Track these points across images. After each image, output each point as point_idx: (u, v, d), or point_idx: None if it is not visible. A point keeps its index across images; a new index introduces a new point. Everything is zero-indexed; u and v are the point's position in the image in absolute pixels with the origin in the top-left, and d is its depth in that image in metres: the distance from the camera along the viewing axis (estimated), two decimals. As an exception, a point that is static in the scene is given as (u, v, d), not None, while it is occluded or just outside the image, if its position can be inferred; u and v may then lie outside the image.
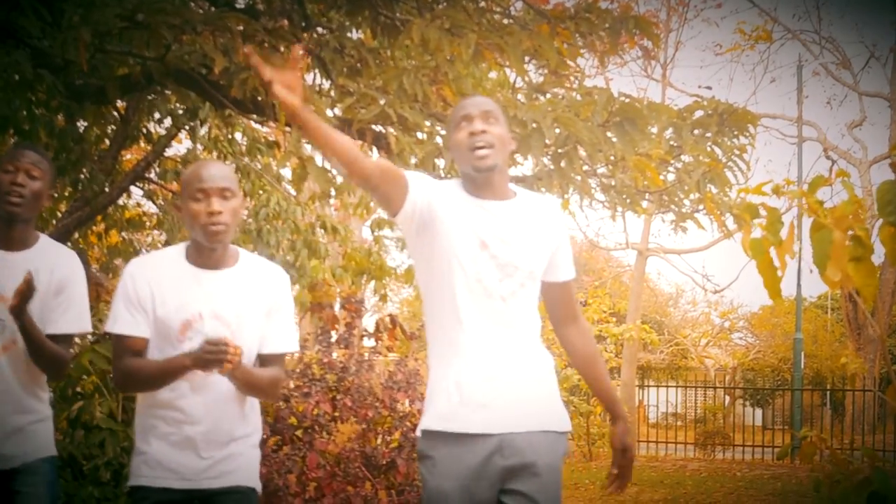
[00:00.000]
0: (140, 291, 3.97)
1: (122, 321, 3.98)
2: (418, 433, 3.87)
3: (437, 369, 3.88)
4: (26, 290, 4.00)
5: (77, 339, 7.41)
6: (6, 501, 4.30)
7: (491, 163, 3.82)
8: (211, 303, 3.96)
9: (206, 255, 4.00)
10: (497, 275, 3.83)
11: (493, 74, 8.59)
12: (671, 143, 6.82)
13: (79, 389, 8.23)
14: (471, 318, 3.81)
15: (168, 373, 3.91)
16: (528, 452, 3.78)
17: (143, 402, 4.08)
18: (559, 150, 6.46)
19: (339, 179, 11.74)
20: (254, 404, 4.16)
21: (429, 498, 3.76)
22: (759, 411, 31.12)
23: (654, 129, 6.70)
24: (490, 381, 3.81)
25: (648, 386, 26.33)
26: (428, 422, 3.84)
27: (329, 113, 6.75)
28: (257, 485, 4.12)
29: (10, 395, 4.26)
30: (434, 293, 3.86)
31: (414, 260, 3.94)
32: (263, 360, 4.07)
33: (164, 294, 3.96)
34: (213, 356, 3.76)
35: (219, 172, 4.02)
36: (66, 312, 4.30)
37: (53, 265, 4.29)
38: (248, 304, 4.01)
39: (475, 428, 3.76)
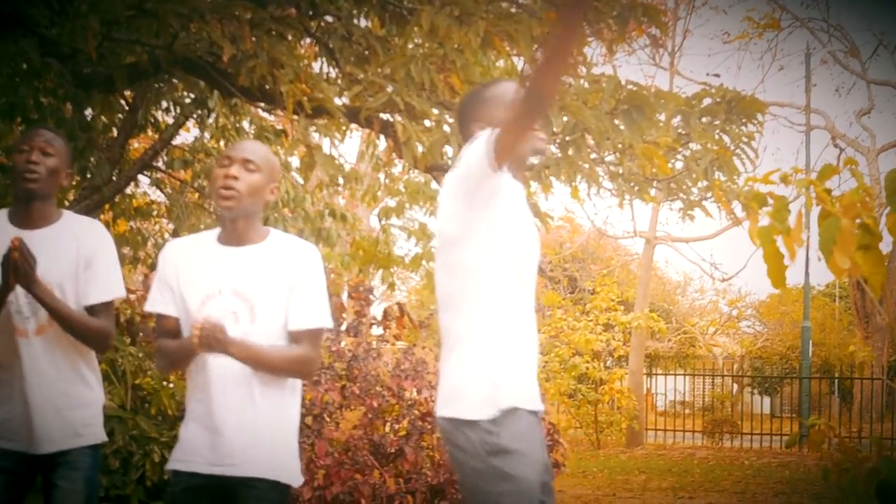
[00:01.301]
0: (167, 270, 4.05)
1: (153, 300, 4.08)
2: (490, 415, 3.65)
3: (508, 344, 3.76)
4: (21, 259, 4.01)
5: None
6: (45, 490, 4.30)
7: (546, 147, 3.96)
8: (232, 279, 3.96)
9: (229, 231, 4.02)
10: (538, 253, 3.90)
11: (500, 63, 8.58)
12: (679, 130, 6.82)
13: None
14: (532, 292, 3.83)
15: (182, 352, 3.96)
16: None
17: (187, 387, 4.11)
18: (567, 138, 6.47)
19: (347, 167, 11.73)
20: (291, 387, 4.11)
21: (517, 491, 3.61)
22: (767, 399, 31.11)
23: (662, 117, 6.70)
24: (535, 357, 3.85)
25: (656, 374, 26.36)
26: (518, 399, 3.70)
27: (337, 101, 6.75)
28: (286, 476, 4.04)
29: (49, 378, 4.25)
30: (497, 266, 3.76)
31: (465, 228, 3.77)
32: (292, 337, 4.01)
33: (188, 271, 4.02)
34: (205, 336, 3.79)
35: (249, 146, 4.10)
36: (98, 282, 4.29)
37: (79, 238, 4.29)
38: (270, 280, 3.98)
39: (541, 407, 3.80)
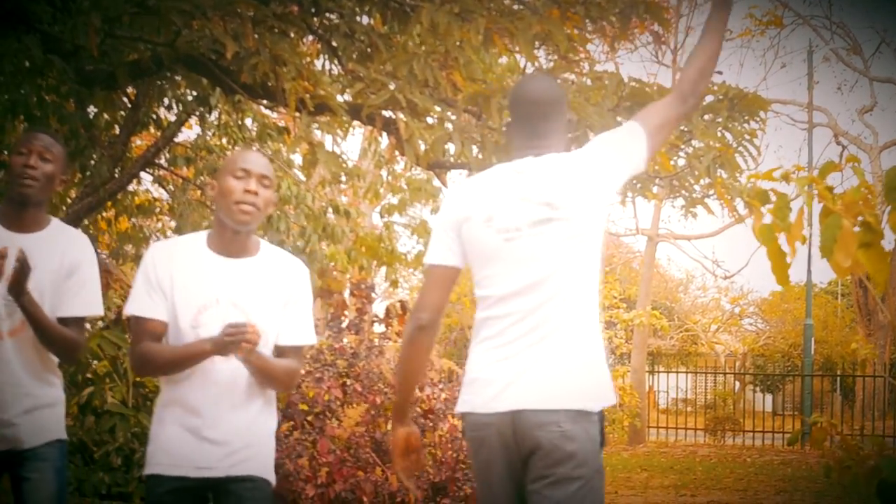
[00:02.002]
0: (160, 275, 3.98)
1: (141, 303, 3.99)
2: (600, 408, 3.72)
3: (601, 345, 3.82)
4: (20, 269, 4.02)
5: (87, 325, 7.35)
6: (15, 486, 4.32)
7: None
8: (229, 290, 3.97)
9: (228, 241, 4.02)
10: None
11: (503, 60, 8.58)
12: (682, 127, 6.81)
13: (89, 375, 8.26)
14: None
15: (187, 357, 3.92)
16: None
17: (163, 388, 4.10)
18: (569, 136, 6.45)
19: (349, 165, 11.72)
20: (270, 394, 4.15)
21: (602, 485, 3.71)
22: (769, 397, 31.15)
23: (665, 114, 6.68)
24: None
25: (658, 372, 26.33)
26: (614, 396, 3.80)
27: (339, 98, 6.75)
28: (271, 476, 4.11)
29: (18, 379, 4.25)
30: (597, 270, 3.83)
31: (597, 223, 3.80)
32: (280, 351, 4.07)
33: (183, 279, 3.98)
34: (233, 339, 3.78)
35: (261, 160, 4.10)
36: (77, 295, 4.30)
37: (65, 247, 4.30)
38: (265, 294, 4.01)
39: None
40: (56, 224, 4.40)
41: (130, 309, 4.02)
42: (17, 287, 4.06)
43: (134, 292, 4.02)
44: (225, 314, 3.92)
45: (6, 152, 9.12)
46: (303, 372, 7.90)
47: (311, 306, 4.19)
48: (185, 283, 3.98)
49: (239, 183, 3.94)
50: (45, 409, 4.36)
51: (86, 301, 4.34)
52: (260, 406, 4.08)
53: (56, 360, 4.43)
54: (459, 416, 3.75)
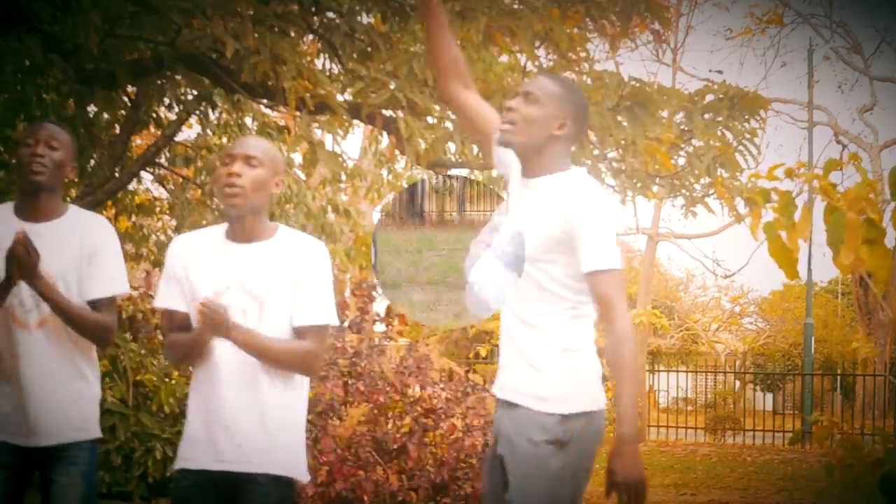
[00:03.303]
0: (176, 266, 4.04)
1: (160, 295, 4.07)
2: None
3: None
4: (23, 254, 4.01)
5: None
6: (43, 486, 4.29)
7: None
8: (240, 275, 3.95)
9: (236, 227, 4.02)
10: None
11: (503, 59, 8.58)
12: (682, 127, 6.82)
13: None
14: None
15: (188, 344, 3.95)
16: None
17: (191, 383, 4.10)
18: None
19: (350, 164, 11.71)
20: (301, 383, 4.08)
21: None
22: (769, 396, 31.11)
23: (665, 114, 6.70)
24: None
25: (659, 371, 26.32)
26: None
27: (340, 97, 6.76)
28: (294, 470, 4.04)
29: (48, 372, 4.24)
30: None
31: None
32: (297, 333, 4.00)
33: (196, 268, 4.01)
34: (207, 317, 3.79)
35: (250, 141, 4.11)
36: (101, 276, 4.29)
37: (83, 232, 4.30)
38: (277, 277, 3.98)
39: None
40: (73, 210, 4.40)
41: (155, 301, 4.13)
42: (28, 273, 4.06)
43: (158, 285, 4.12)
44: (236, 300, 3.91)
45: (6, 151, 9.12)
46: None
47: (330, 286, 4.11)
48: (199, 271, 4.00)
49: (224, 169, 3.97)
50: (77, 403, 4.33)
51: (110, 280, 4.33)
52: (280, 396, 4.00)
53: (94, 354, 4.42)
54: (589, 413, 3.93)
